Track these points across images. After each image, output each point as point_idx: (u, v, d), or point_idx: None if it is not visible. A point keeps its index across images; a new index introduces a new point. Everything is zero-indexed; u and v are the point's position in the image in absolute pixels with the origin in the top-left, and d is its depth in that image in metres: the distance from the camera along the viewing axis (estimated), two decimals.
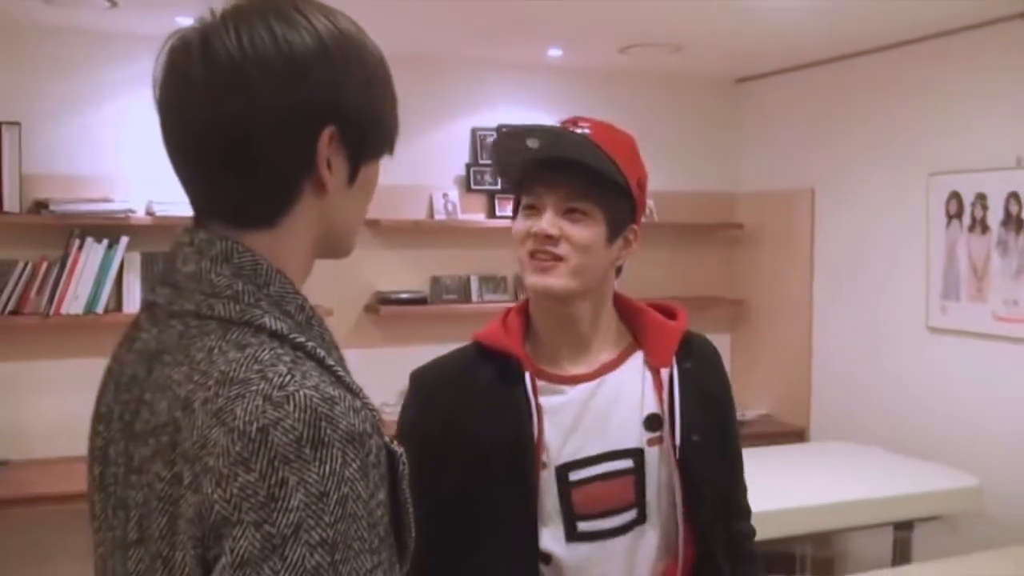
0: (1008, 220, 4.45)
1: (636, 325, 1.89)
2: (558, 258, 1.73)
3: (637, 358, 1.85)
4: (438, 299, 5.53)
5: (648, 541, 1.78)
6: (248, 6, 1.14)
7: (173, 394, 1.08)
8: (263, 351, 1.06)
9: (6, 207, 4.57)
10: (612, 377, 1.81)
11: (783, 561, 4.80)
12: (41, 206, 4.64)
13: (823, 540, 5.05)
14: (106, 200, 4.72)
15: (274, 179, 1.15)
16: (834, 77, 5.51)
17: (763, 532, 3.90)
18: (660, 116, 5.96)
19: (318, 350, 1.10)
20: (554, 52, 5.41)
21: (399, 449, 1.12)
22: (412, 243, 5.53)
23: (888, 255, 5.15)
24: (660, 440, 1.79)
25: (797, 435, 5.72)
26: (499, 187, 5.66)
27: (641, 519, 1.77)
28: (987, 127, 4.57)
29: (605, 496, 1.76)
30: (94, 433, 1.21)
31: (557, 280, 1.74)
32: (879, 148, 5.20)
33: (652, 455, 1.78)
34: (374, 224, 5.37)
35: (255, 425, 1.00)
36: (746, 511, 1.99)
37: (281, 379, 1.03)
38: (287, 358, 1.06)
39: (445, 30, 4.92)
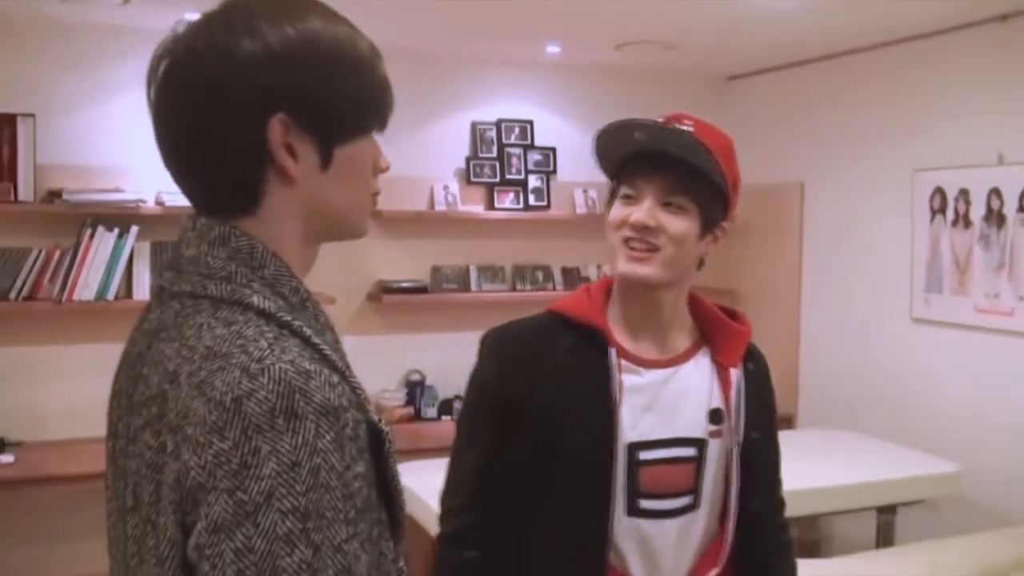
0: (990, 215, 4.55)
1: (704, 321, 1.94)
2: (652, 248, 1.78)
3: (706, 353, 1.91)
4: (438, 288, 5.61)
5: (698, 526, 1.85)
6: (215, 14, 1.17)
7: (164, 368, 1.12)
8: (248, 328, 1.09)
9: (21, 196, 4.65)
10: (685, 368, 1.87)
11: (807, 546, 4.86)
12: (54, 196, 4.72)
13: (809, 523, 5.11)
14: (117, 190, 4.80)
15: (233, 172, 1.16)
16: (823, 75, 5.60)
17: None
18: (653, 112, 5.97)
19: (304, 329, 1.12)
20: (552, 49, 5.49)
21: (385, 427, 1.15)
22: (413, 233, 5.62)
23: (874, 248, 5.25)
24: (720, 433, 1.86)
25: (785, 422, 5.77)
26: (498, 180, 5.77)
27: (695, 505, 1.84)
28: (970, 125, 4.67)
29: (668, 479, 1.82)
30: (110, 410, 1.24)
31: (650, 269, 1.79)
32: (866, 144, 5.30)
33: (713, 446, 1.85)
34: (376, 215, 5.45)
35: (230, 395, 1.03)
36: (782, 503, 2.05)
37: (260, 352, 1.06)
38: (270, 335, 1.09)
39: (446, 27, 5.00)
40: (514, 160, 5.83)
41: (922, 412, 4.91)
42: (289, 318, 1.12)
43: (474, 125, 5.79)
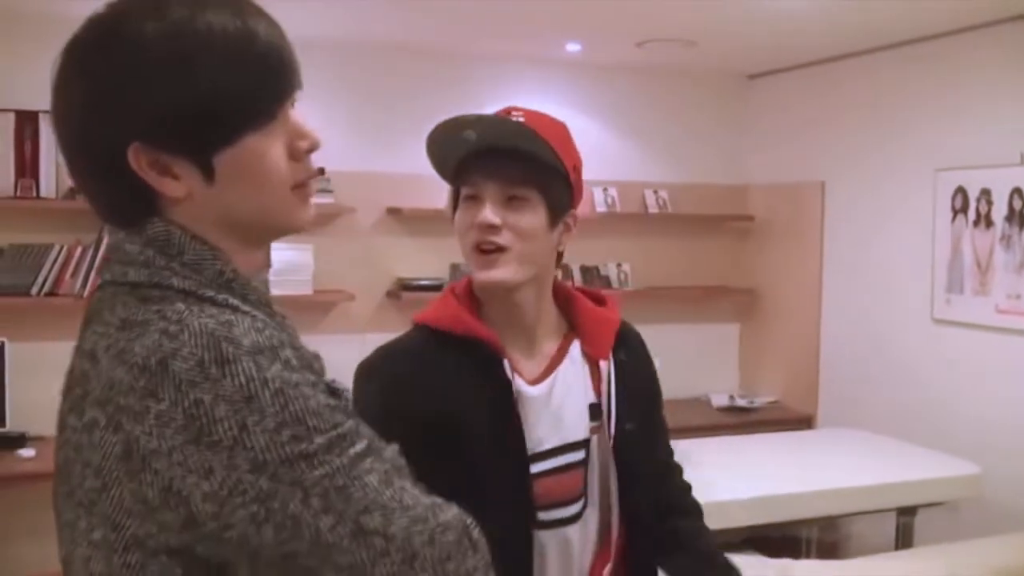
0: (1012, 215, 4.54)
1: (570, 311, 1.87)
2: (501, 248, 1.71)
3: (576, 347, 1.84)
4: None
5: (590, 526, 1.81)
6: (70, 43, 1.14)
7: (83, 351, 1.11)
8: (164, 300, 1.08)
9: (43, 192, 4.70)
10: (562, 370, 1.80)
11: (790, 544, 4.86)
12: (76, 192, 4.70)
13: (829, 524, 5.10)
14: None
15: (119, 199, 1.14)
16: (844, 74, 5.59)
17: (771, 516, 4.04)
18: (674, 110, 6.05)
19: (230, 299, 1.11)
20: (572, 47, 5.49)
21: (342, 386, 1.16)
22: (432, 231, 5.60)
23: (895, 248, 5.23)
24: (599, 429, 1.80)
25: (805, 422, 5.80)
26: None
27: (585, 506, 1.79)
28: (992, 124, 4.65)
29: (560, 488, 1.76)
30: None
31: (504, 272, 1.72)
32: (887, 143, 5.28)
33: (593, 444, 1.80)
34: (396, 212, 5.49)
35: (154, 358, 1.02)
36: (677, 469, 2.01)
37: (178, 315, 1.05)
38: (187, 302, 1.08)
39: (466, 26, 5.01)
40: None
41: (943, 413, 4.89)
42: (212, 293, 1.11)
43: None
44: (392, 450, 1.17)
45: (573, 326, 1.87)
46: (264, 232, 1.22)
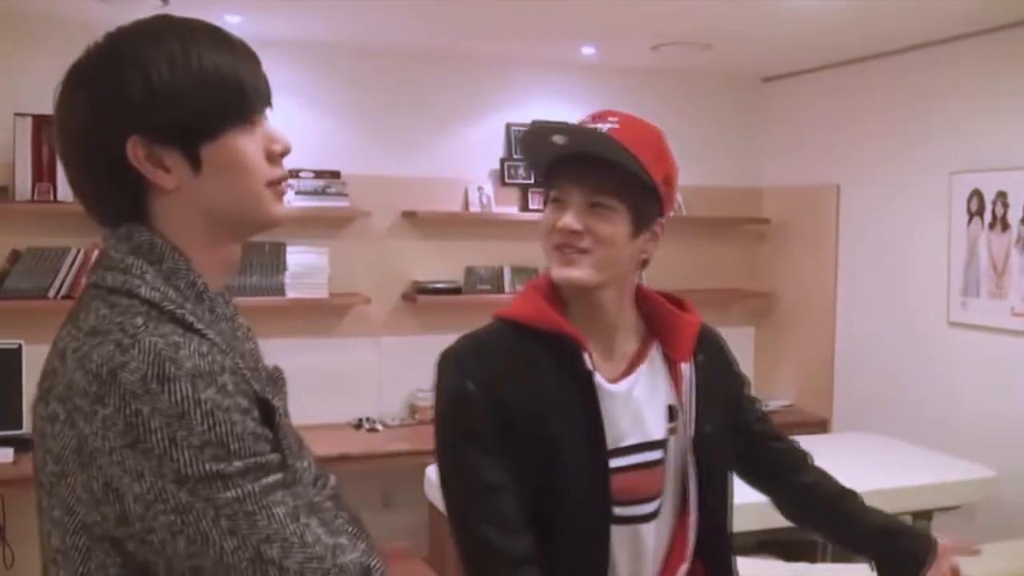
0: None
1: (651, 315, 1.91)
2: (583, 251, 1.75)
3: (656, 349, 1.88)
4: (472, 289, 5.63)
5: (665, 526, 1.84)
6: (82, 59, 1.28)
7: (56, 349, 1.23)
8: (128, 312, 1.19)
9: (60, 196, 4.72)
10: (642, 370, 1.84)
11: (805, 547, 4.86)
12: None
13: None
14: None
15: (110, 192, 1.27)
16: (858, 77, 5.58)
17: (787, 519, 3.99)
18: (689, 113, 6.05)
19: (187, 316, 1.21)
20: (587, 50, 5.50)
21: (277, 404, 1.26)
22: (448, 234, 5.65)
23: (910, 251, 5.23)
24: (676, 430, 1.84)
25: (820, 425, 5.79)
26: (532, 181, 5.78)
27: (661, 505, 1.83)
28: (1008, 127, 4.64)
29: (638, 485, 1.80)
30: None
31: (581, 272, 1.76)
32: (902, 146, 5.27)
33: (670, 444, 1.84)
34: (412, 216, 5.50)
35: (106, 368, 1.14)
36: (781, 433, 2.14)
37: (135, 330, 1.17)
38: (147, 317, 1.19)
39: (482, 30, 5.02)
40: (524, 162, 5.84)
41: (959, 416, 4.88)
42: (172, 307, 1.22)
43: (509, 127, 5.80)
44: (308, 488, 1.29)
45: (653, 329, 1.91)
46: (242, 224, 1.33)
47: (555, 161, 1.80)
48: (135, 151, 1.23)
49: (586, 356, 1.77)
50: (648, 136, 1.79)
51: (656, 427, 1.83)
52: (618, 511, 1.77)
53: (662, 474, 1.83)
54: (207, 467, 1.13)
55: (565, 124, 1.77)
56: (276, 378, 1.37)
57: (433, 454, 1.82)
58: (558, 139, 1.76)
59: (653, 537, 1.82)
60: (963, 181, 4.86)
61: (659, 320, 1.90)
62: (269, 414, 1.23)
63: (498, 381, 1.76)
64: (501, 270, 5.74)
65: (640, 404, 1.83)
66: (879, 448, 4.83)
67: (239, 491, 1.15)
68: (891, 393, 5.35)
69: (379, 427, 5.36)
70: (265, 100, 1.32)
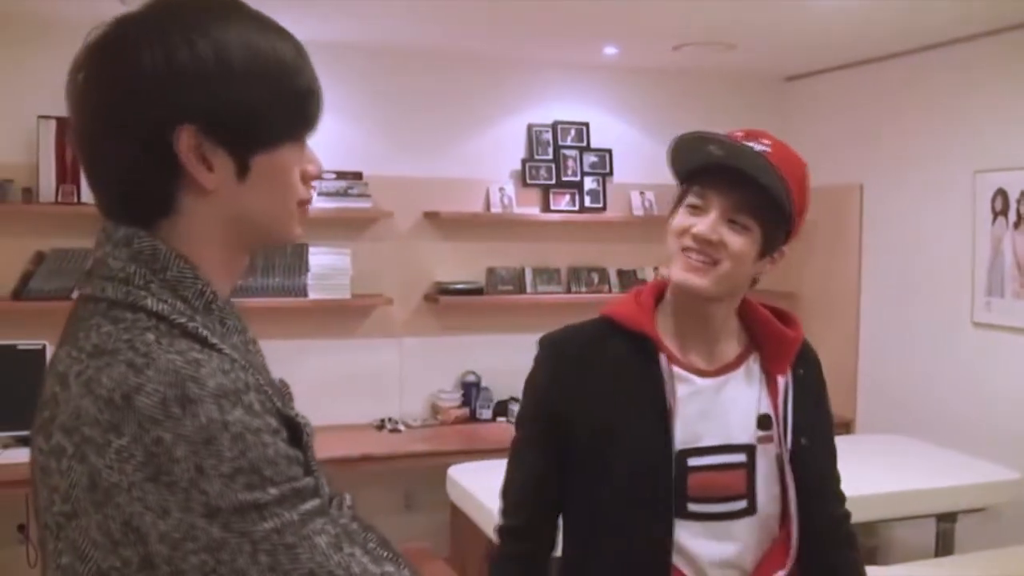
0: None
1: (753, 326, 1.94)
2: (712, 261, 1.79)
3: (756, 359, 1.92)
4: (493, 290, 5.63)
5: (754, 531, 1.86)
6: (129, 18, 1.15)
7: (55, 371, 1.10)
8: (135, 327, 1.07)
9: (84, 198, 4.75)
10: (735, 375, 1.89)
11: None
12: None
13: (867, 530, 5.06)
14: None
15: (142, 182, 1.14)
16: (882, 76, 5.56)
17: None
18: (711, 113, 6.03)
19: (200, 330, 1.10)
20: (609, 50, 5.49)
21: (303, 419, 1.15)
22: (469, 235, 5.66)
23: (934, 251, 5.20)
24: (770, 439, 1.87)
25: (843, 427, 5.75)
26: (553, 182, 5.78)
27: (751, 510, 1.85)
28: None
29: (717, 483, 1.83)
30: None
31: (705, 282, 1.79)
32: (926, 145, 5.24)
33: (762, 452, 1.86)
34: (433, 216, 5.52)
35: (119, 392, 1.01)
36: (841, 497, 2.05)
37: (147, 347, 1.04)
38: (158, 332, 1.07)
39: (504, 30, 5.02)
40: (570, 162, 5.84)
41: (983, 418, 4.85)
42: (183, 320, 1.10)
43: (530, 127, 5.80)
44: (345, 515, 1.16)
45: (754, 339, 1.95)
46: (264, 238, 1.25)
47: (703, 169, 1.82)
48: (186, 140, 1.11)
49: (663, 357, 1.84)
50: (796, 166, 1.83)
51: (742, 432, 1.86)
52: (695, 507, 1.82)
53: (745, 477, 1.86)
54: (240, 497, 1.01)
55: (725, 138, 1.80)
56: (284, 393, 1.22)
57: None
58: (715, 149, 1.79)
59: (743, 536, 1.85)
60: (987, 180, 4.83)
61: (761, 331, 1.94)
62: (296, 433, 1.13)
63: (572, 371, 1.89)
64: (522, 271, 5.73)
65: (726, 407, 1.87)
66: (903, 449, 4.80)
67: (277, 521, 1.03)
68: (915, 394, 5.32)
69: (401, 428, 5.36)
70: (317, 118, 1.25)
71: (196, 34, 1.11)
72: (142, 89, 1.10)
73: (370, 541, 1.16)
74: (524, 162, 5.78)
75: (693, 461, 1.82)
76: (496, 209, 5.67)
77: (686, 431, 1.83)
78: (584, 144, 5.89)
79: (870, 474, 4.34)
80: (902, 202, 5.44)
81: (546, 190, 5.81)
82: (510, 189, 5.73)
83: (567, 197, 5.82)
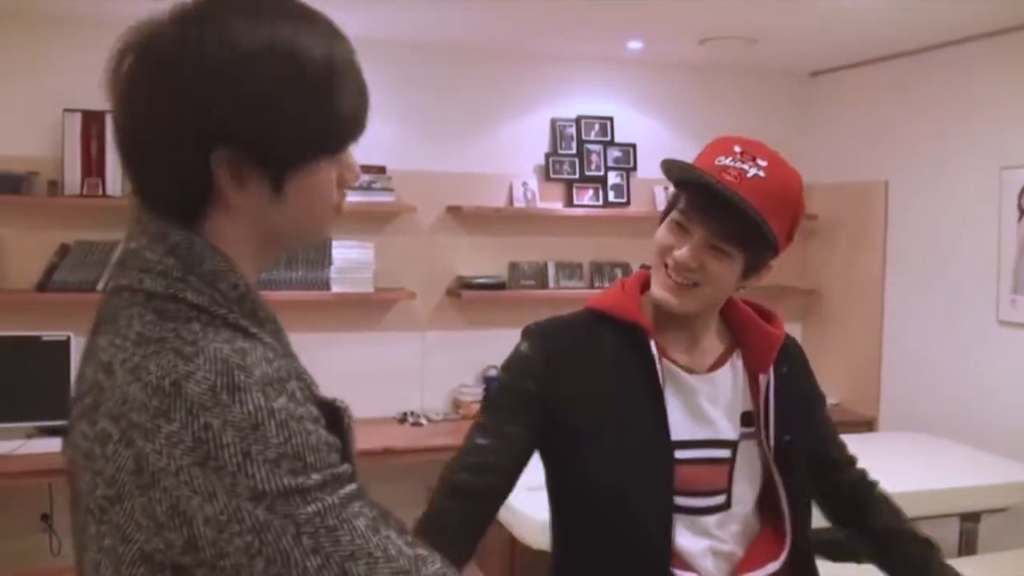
0: None
1: (735, 324, 1.96)
2: (692, 283, 1.79)
3: (738, 356, 1.93)
4: (516, 284, 5.64)
5: (737, 524, 1.87)
6: (167, 24, 1.14)
7: (98, 360, 1.13)
8: (179, 316, 1.10)
9: (109, 191, 4.80)
10: (720, 373, 1.90)
11: (851, 547, 4.83)
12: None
13: None
14: None
15: (175, 192, 1.15)
16: (907, 71, 5.53)
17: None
18: (736, 108, 6.01)
19: (240, 320, 1.13)
20: (634, 45, 5.47)
21: (343, 404, 1.18)
22: (492, 230, 5.66)
23: (960, 248, 5.17)
24: (752, 436, 1.89)
25: (867, 425, 5.75)
26: (577, 177, 5.77)
27: (727, 505, 1.85)
28: None
29: (701, 478, 1.84)
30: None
31: (682, 303, 1.81)
32: (952, 141, 5.21)
33: (743, 449, 1.87)
34: (456, 211, 5.52)
35: (168, 379, 1.04)
36: (852, 459, 2.12)
37: (193, 335, 1.08)
38: (200, 322, 1.10)
39: (528, 24, 5.02)
40: (594, 157, 5.83)
41: (1007, 416, 4.81)
42: (223, 311, 1.12)
43: (554, 122, 5.80)
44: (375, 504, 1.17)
45: (736, 337, 1.96)
46: (296, 243, 1.28)
47: (696, 188, 1.79)
48: (223, 161, 1.12)
49: (652, 343, 1.83)
50: (789, 187, 1.82)
51: (727, 428, 1.87)
52: (680, 501, 1.82)
53: (727, 473, 1.86)
54: (285, 482, 1.04)
55: (709, 177, 1.75)
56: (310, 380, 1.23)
57: None
58: (709, 180, 1.75)
59: (726, 529, 1.86)
60: (1014, 177, 4.80)
61: (743, 330, 1.95)
62: (337, 417, 1.16)
63: (565, 359, 1.87)
64: (545, 265, 5.73)
65: (713, 403, 1.87)
66: (926, 448, 4.78)
67: (319, 505, 1.06)
68: (939, 392, 5.29)
69: (423, 421, 5.37)
70: (361, 128, 1.24)
71: (241, 47, 1.11)
72: (184, 101, 1.11)
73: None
74: (547, 157, 5.78)
75: (680, 454, 1.82)
76: (519, 204, 5.67)
77: (675, 422, 1.83)
78: (608, 139, 5.88)
79: (892, 472, 4.27)
80: (927, 199, 5.41)
81: (569, 185, 5.80)
82: (533, 184, 5.73)
83: (590, 192, 5.81)
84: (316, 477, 1.06)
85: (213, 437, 1.03)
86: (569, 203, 5.80)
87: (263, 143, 1.13)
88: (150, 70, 1.13)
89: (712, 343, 1.93)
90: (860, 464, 2.14)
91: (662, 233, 1.84)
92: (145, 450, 1.04)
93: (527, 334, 1.92)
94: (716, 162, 1.77)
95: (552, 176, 5.76)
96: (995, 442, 4.70)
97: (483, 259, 5.66)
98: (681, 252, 1.78)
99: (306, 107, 1.15)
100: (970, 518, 4.39)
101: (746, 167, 1.76)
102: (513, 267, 5.68)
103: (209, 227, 1.17)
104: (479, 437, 1.87)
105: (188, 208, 1.16)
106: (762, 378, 1.90)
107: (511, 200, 5.68)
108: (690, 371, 1.88)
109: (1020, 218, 4.77)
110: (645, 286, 1.92)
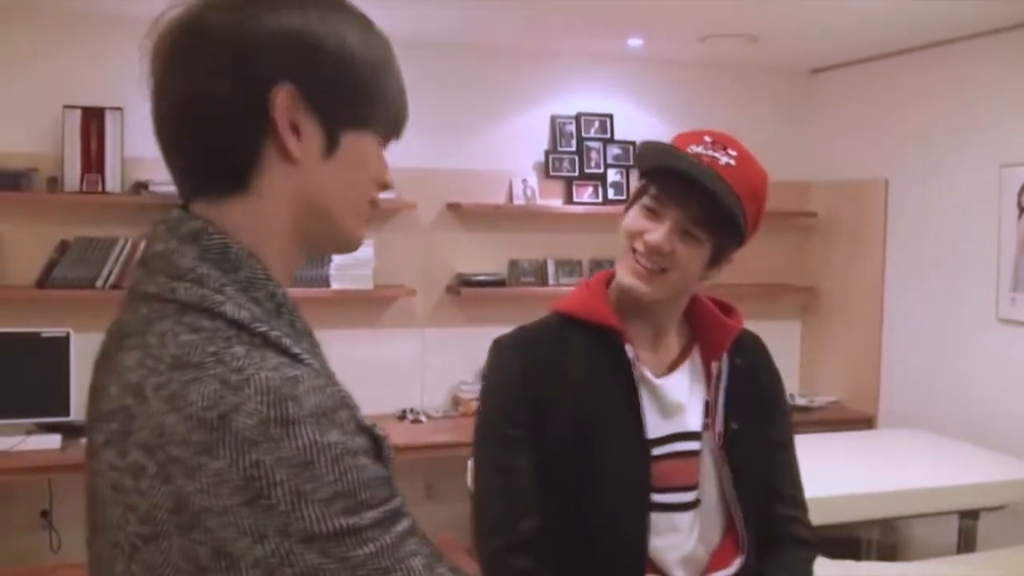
0: None
1: (695, 317, 1.96)
2: (660, 269, 1.79)
3: (697, 350, 1.94)
4: (516, 282, 5.64)
5: (706, 518, 1.86)
6: None
7: (124, 380, 1.04)
8: (217, 336, 1.01)
9: (108, 187, 4.79)
10: (686, 367, 1.90)
11: (849, 545, 4.84)
12: (141, 187, 4.83)
13: (889, 526, 5.07)
14: None
15: (230, 141, 1.09)
16: (908, 69, 5.52)
17: (831, 516, 4.02)
18: (737, 105, 6.01)
19: (282, 339, 1.04)
20: (634, 42, 5.48)
21: (382, 433, 1.08)
22: (491, 227, 5.66)
23: (959, 246, 5.16)
24: (708, 427, 1.89)
25: (866, 422, 5.75)
26: (576, 174, 5.77)
27: (698, 502, 1.86)
28: None
29: (676, 474, 1.84)
30: (88, 407, 1.17)
31: (650, 289, 1.81)
32: (952, 139, 5.21)
33: (705, 440, 1.88)
34: (456, 208, 5.52)
35: (215, 412, 0.96)
36: (795, 501, 2.00)
37: (238, 362, 0.98)
38: (240, 342, 1.01)
39: (528, 22, 5.01)
40: (593, 154, 5.83)
41: (1006, 414, 4.81)
42: (264, 328, 1.04)
43: (553, 119, 5.79)
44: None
45: (696, 331, 1.97)
46: (330, 231, 1.19)
47: (667, 172, 1.80)
48: (285, 100, 1.07)
49: (628, 347, 1.84)
50: (757, 181, 1.84)
51: (694, 420, 1.88)
52: (657, 498, 1.82)
53: (698, 465, 1.87)
54: (338, 522, 0.96)
55: (687, 154, 1.78)
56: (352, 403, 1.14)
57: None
58: (681, 162, 1.77)
59: (695, 527, 1.85)
60: (1013, 174, 4.80)
61: (702, 323, 1.96)
62: (377, 446, 1.07)
63: (542, 368, 1.85)
64: (545, 263, 5.73)
65: (681, 398, 1.88)
66: (925, 446, 4.78)
67: (373, 546, 0.98)
68: (938, 390, 5.29)
69: (423, 418, 5.38)
70: (404, 123, 1.23)
71: (309, 6, 1.11)
72: (251, 42, 1.07)
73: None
74: (547, 154, 5.78)
75: (656, 450, 1.83)
76: (519, 201, 5.66)
77: (650, 419, 1.84)
78: (608, 136, 5.88)
79: (892, 470, 4.33)
80: (927, 197, 5.40)
81: (569, 182, 5.80)
82: (533, 181, 5.73)
83: (590, 189, 5.81)
84: (370, 515, 0.99)
85: (264, 475, 0.94)
86: (569, 200, 5.80)
87: (328, 88, 1.10)
88: (216, 17, 1.08)
89: (673, 338, 1.93)
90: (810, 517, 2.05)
91: (631, 218, 1.84)
92: (187, 488, 0.95)
93: (499, 350, 1.91)
94: (689, 150, 1.79)
95: (552, 173, 5.76)
96: (994, 440, 4.70)
97: (483, 256, 5.66)
98: (654, 235, 1.78)
99: (370, 68, 1.15)
100: (969, 515, 4.39)
101: (718, 155, 1.78)
102: (513, 264, 5.68)
103: (247, 207, 1.10)
104: (498, 496, 1.85)
105: (234, 174, 1.10)
106: (714, 365, 1.90)
107: (511, 197, 5.68)
108: (655, 366, 1.88)
109: (1020, 216, 4.77)
110: (608, 285, 1.93)
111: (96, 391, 1.11)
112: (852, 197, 5.94)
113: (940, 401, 5.25)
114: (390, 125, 1.19)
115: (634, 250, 1.81)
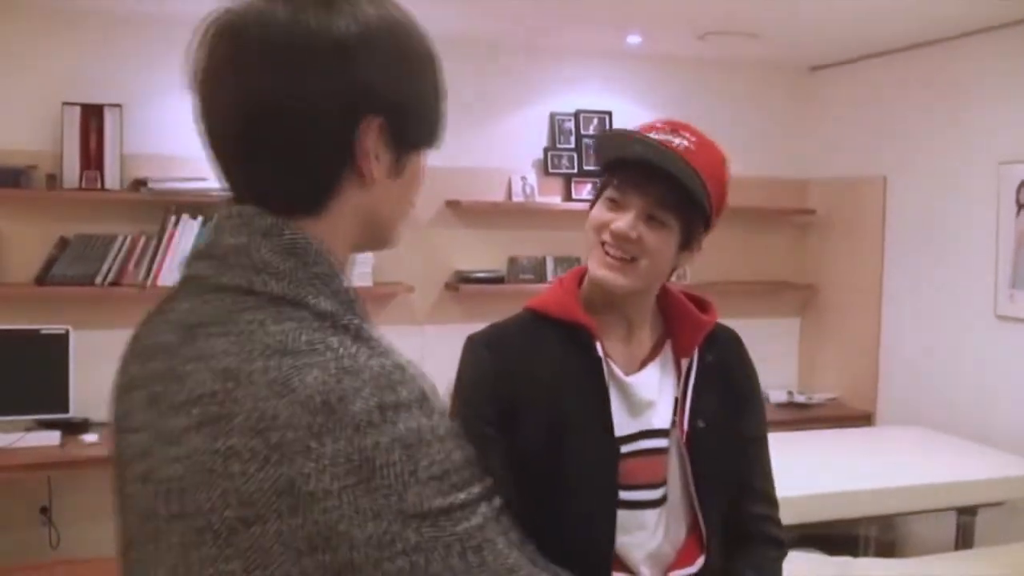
0: None
1: (668, 311, 1.95)
2: (630, 258, 1.79)
3: (670, 346, 1.93)
4: (515, 279, 5.64)
5: (672, 516, 1.86)
6: None
7: (215, 365, 1.04)
8: (308, 327, 1.05)
9: (107, 184, 4.79)
10: (657, 363, 1.90)
11: (847, 542, 4.84)
12: (140, 184, 4.84)
13: (887, 523, 5.07)
14: (201, 179, 4.82)
15: (314, 168, 1.11)
16: (907, 66, 5.52)
17: (829, 513, 4.02)
18: (735, 103, 6.01)
19: (364, 329, 1.08)
20: (633, 39, 5.48)
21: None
22: (491, 224, 5.66)
23: (958, 243, 5.17)
24: (677, 424, 1.87)
25: (864, 419, 5.75)
26: (575, 171, 5.77)
27: (665, 499, 1.85)
28: None
29: (644, 471, 1.83)
30: (117, 402, 1.20)
31: (623, 280, 1.80)
32: (950, 137, 5.21)
33: (673, 437, 1.86)
34: (455, 205, 5.52)
35: (333, 396, 0.99)
36: (767, 498, 2.00)
37: (347, 350, 1.03)
38: (339, 334, 1.06)
39: (526, 18, 5.01)
40: (592, 151, 5.82)
41: (1005, 411, 4.83)
42: (355, 321, 1.09)
43: (552, 116, 5.79)
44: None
45: (669, 326, 1.95)
46: (380, 237, 1.24)
47: (625, 162, 1.82)
48: (373, 132, 1.11)
49: (598, 344, 1.83)
50: (716, 161, 1.83)
51: (663, 417, 1.87)
52: (625, 495, 1.82)
53: (665, 462, 1.86)
54: (437, 502, 1.02)
55: (646, 137, 1.80)
56: None
57: None
58: (636, 148, 1.78)
59: (661, 524, 1.85)
60: (1012, 172, 4.80)
61: (675, 318, 1.95)
62: None
63: (514, 367, 1.84)
64: (544, 260, 5.73)
65: (650, 395, 1.87)
66: (923, 442, 4.80)
67: (466, 525, 1.04)
68: (937, 387, 5.29)
69: None
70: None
71: (378, 17, 1.13)
72: (335, 64, 1.08)
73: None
74: (546, 151, 5.78)
75: (624, 448, 1.82)
76: (518, 198, 5.67)
77: (619, 417, 1.83)
78: None
79: (890, 467, 4.34)
80: (926, 194, 5.41)
81: (568, 179, 5.80)
82: (532, 178, 5.73)
83: (589, 186, 5.81)
84: (462, 496, 1.05)
85: (377, 456, 0.99)
86: (568, 197, 5.80)
87: (405, 116, 1.15)
88: (286, 37, 1.08)
89: (646, 333, 1.92)
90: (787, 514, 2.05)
91: (597, 211, 1.85)
92: (303, 470, 0.98)
93: (472, 347, 1.90)
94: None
95: (551, 170, 5.76)
96: (992, 436, 4.72)
97: (482, 253, 5.66)
98: (619, 223, 1.78)
99: (431, 88, 1.20)
100: (967, 512, 4.40)
101: (674, 139, 1.79)
102: (512, 261, 5.68)
103: (317, 223, 1.13)
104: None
105: (309, 198, 1.12)
106: (684, 361, 1.90)
107: (510, 194, 5.68)
108: (627, 363, 1.88)
109: (1018, 213, 4.77)
110: (582, 282, 1.93)
111: (157, 381, 1.11)
112: (851, 194, 5.94)
113: (938, 398, 5.26)
114: (436, 139, 1.24)
115: (603, 243, 1.81)
